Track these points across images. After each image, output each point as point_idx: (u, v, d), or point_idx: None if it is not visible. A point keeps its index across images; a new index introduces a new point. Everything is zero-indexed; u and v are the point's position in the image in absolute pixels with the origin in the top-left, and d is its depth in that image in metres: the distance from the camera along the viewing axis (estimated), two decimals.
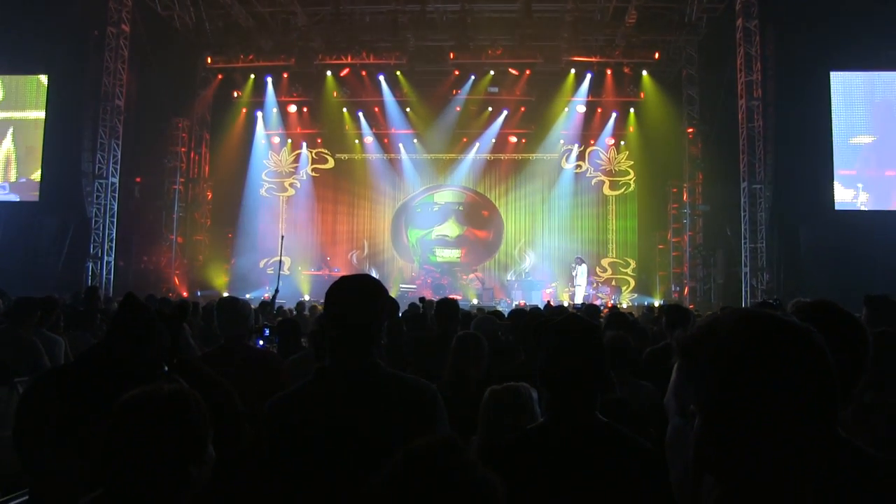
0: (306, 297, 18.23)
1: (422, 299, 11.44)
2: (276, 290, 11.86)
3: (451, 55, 21.14)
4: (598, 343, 2.38)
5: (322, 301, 2.63)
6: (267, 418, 2.41)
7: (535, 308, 9.85)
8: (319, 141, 23.38)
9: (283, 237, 14.67)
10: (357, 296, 2.45)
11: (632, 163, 22.73)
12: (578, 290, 20.08)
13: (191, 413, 1.94)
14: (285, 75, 22.03)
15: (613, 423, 2.36)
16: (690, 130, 21.64)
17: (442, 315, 5.99)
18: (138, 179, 21.90)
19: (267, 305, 11.44)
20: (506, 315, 8.26)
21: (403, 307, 10.69)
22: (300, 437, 2.32)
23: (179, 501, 1.92)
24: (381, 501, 1.27)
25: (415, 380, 2.49)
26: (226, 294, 18.80)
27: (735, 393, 1.21)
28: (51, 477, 2.65)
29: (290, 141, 23.41)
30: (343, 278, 2.53)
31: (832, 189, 19.92)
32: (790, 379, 1.20)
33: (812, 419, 1.20)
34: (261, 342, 5.71)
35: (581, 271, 20.33)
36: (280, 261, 13.97)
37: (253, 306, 10.60)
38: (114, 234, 19.95)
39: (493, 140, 22.63)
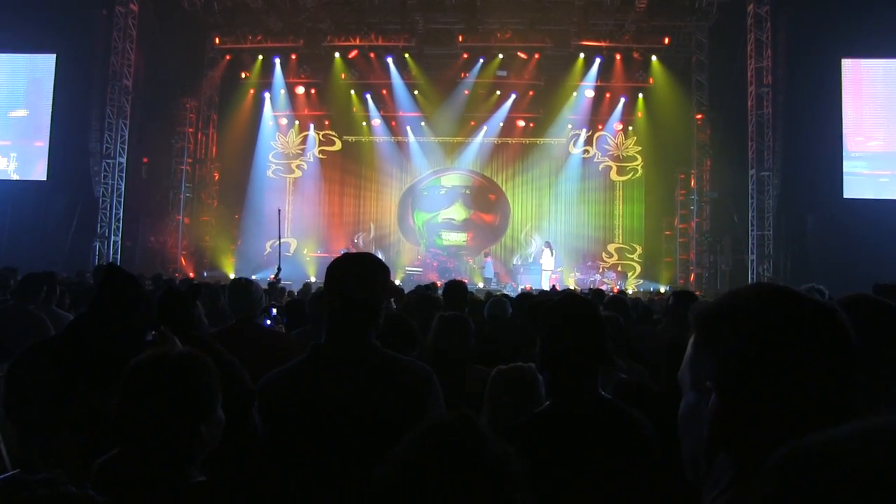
0: (312, 279, 18.21)
1: (432, 285, 11.31)
2: (279, 269, 11.57)
3: (460, 38, 21.20)
4: (597, 320, 2.35)
5: None
6: (260, 396, 2.38)
7: (544, 292, 9.79)
8: (327, 123, 23.31)
9: (280, 210, 14.21)
10: (358, 272, 2.41)
11: (640, 148, 22.60)
12: (545, 275, 19.96)
13: (199, 374, 1.96)
14: (293, 56, 22.04)
15: (616, 399, 2.35)
16: (699, 117, 21.55)
17: (450, 297, 5.98)
18: (145, 160, 22.02)
19: (274, 286, 11.11)
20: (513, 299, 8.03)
21: (409, 290, 10.55)
22: (292, 415, 2.29)
23: (192, 458, 1.96)
24: (398, 477, 1.24)
25: (410, 361, 2.46)
26: (232, 275, 19.42)
27: (755, 369, 1.17)
28: (41, 447, 2.64)
29: (297, 122, 23.27)
30: (346, 255, 2.52)
31: (841, 177, 19.84)
32: (813, 356, 1.16)
33: (835, 398, 1.15)
34: (268, 322, 5.75)
35: (547, 255, 20.28)
36: (279, 236, 13.30)
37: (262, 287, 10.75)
38: (121, 214, 20.14)
39: (501, 124, 22.53)
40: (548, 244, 20.66)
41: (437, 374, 2.40)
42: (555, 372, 2.32)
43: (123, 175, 20.09)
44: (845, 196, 19.72)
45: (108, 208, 19.79)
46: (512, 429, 2.27)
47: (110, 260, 18.93)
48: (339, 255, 2.59)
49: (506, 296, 8.05)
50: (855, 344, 1.18)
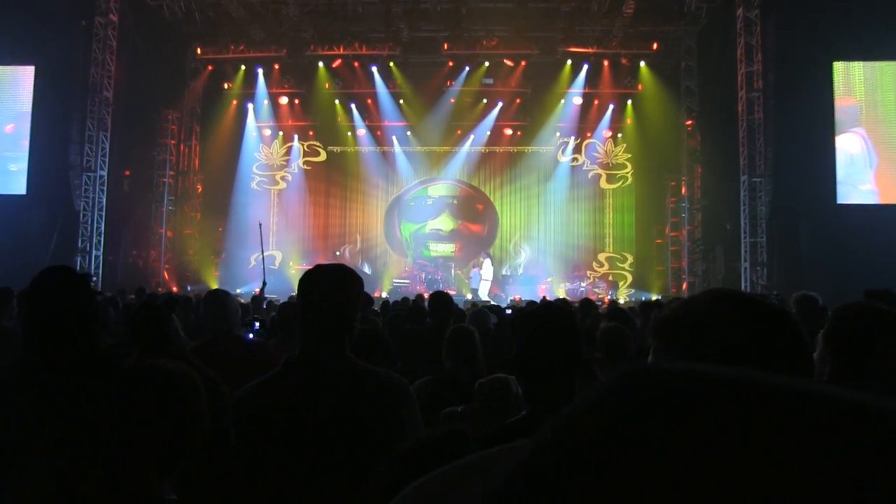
0: None
1: (419, 297, 11.37)
2: (264, 283, 11.35)
3: (445, 46, 21.07)
4: (572, 327, 2.35)
5: None
6: (233, 410, 2.37)
7: (533, 304, 9.59)
8: (311, 133, 23.18)
9: (260, 224, 13.85)
10: (331, 282, 2.42)
11: (629, 156, 22.47)
12: (483, 286, 19.82)
13: (186, 388, 1.94)
14: (276, 66, 21.89)
15: None
16: (689, 123, 21.47)
17: (437, 306, 5.95)
18: (127, 172, 21.76)
19: (258, 300, 11.22)
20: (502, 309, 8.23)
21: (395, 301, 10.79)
22: (266, 430, 2.27)
23: (166, 473, 1.93)
24: (385, 493, 1.19)
25: (386, 374, 2.46)
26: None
27: None
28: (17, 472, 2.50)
29: (281, 133, 23.16)
30: (318, 265, 2.51)
31: (834, 182, 19.73)
32: (767, 358, 1.15)
33: None
34: (250, 336, 5.73)
35: (486, 265, 20.17)
36: (262, 250, 12.91)
37: (245, 301, 11.20)
38: (102, 228, 19.82)
39: (488, 132, 22.41)
40: (486, 254, 20.76)
41: (454, 389, 2.45)
42: (529, 380, 2.33)
43: (105, 188, 19.82)
44: (839, 202, 19.63)
45: (90, 222, 19.53)
46: (484, 437, 2.19)
47: (90, 273, 18.70)
48: None
49: (495, 307, 8.44)
50: (808, 347, 1.22)
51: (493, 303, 14.44)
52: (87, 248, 19.48)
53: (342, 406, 2.26)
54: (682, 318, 1.24)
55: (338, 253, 22.13)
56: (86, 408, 2.08)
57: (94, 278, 18.53)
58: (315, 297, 2.38)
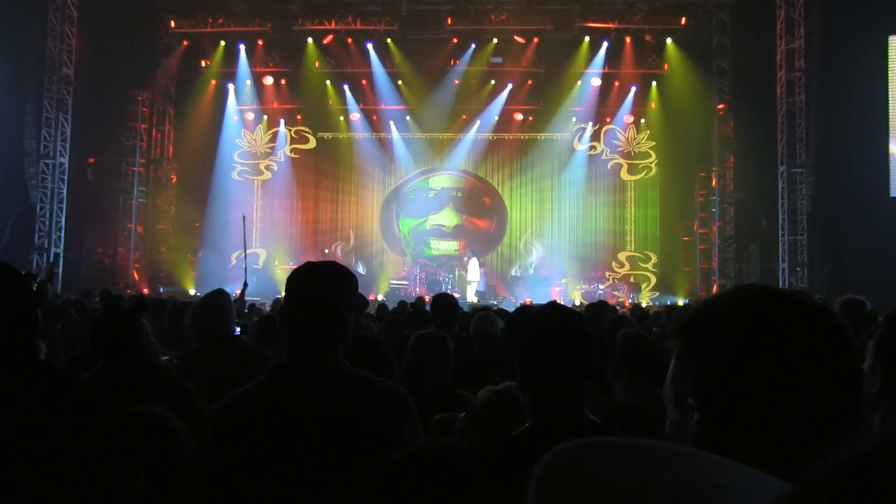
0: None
1: (419, 299, 11.61)
2: (245, 285, 11.44)
3: (449, 21, 20.87)
4: (580, 330, 2.32)
5: None
6: (212, 425, 2.33)
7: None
8: (299, 118, 22.77)
9: (244, 218, 13.65)
10: (323, 278, 2.41)
11: (653, 143, 22.02)
12: (470, 287, 19.66)
13: (170, 440, 2.01)
14: (260, 42, 21.56)
15: (607, 424, 2.36)
16: (721, 107, 21.02)
17: (439, 311, 5.93)
18: (91, 160, 21.39)
19: (238, 302, 11.03)
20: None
21: (393, 305, 11.21)
22: (249, 445, 2.26)
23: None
24: None
25: (383, 381, 2.48)
26: (192, 291, 20.09)
27: (739, 380, 1.11)
28: None
29: (265, 117, 22.76)
30: (307, 263, 2.52)
31: (887, 172, 19.18)
32: (806, 363, 1.09)
33: (834, 412, 1.08)
34: None
35: (473, 265, 19.96)
36: (245, 247, 13.08)
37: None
38: (63, 223, 19.64)
39: (496, 118, 21.96)
40: (472, 252, 20.54)
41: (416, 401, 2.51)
42: (534, 390, 2.27)
43: (65, 178, 19.58)
44: (892, 195, 19.10)
45: (48, 216, 19.26)
46: (485, 452, 2.26)
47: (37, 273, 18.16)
48: None
49: (501, 310, 8.42)
50: (856, 353, 1.15)
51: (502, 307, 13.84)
52: (46, 245, 19.20)
53: (336, 417, 2.27)
54: (708, 318, 1.18)
55: (327, 251, 21.88)
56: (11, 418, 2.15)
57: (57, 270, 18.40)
58: (304, 296, 2.38)
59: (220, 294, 4.63)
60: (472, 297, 18.66)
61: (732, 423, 1.13)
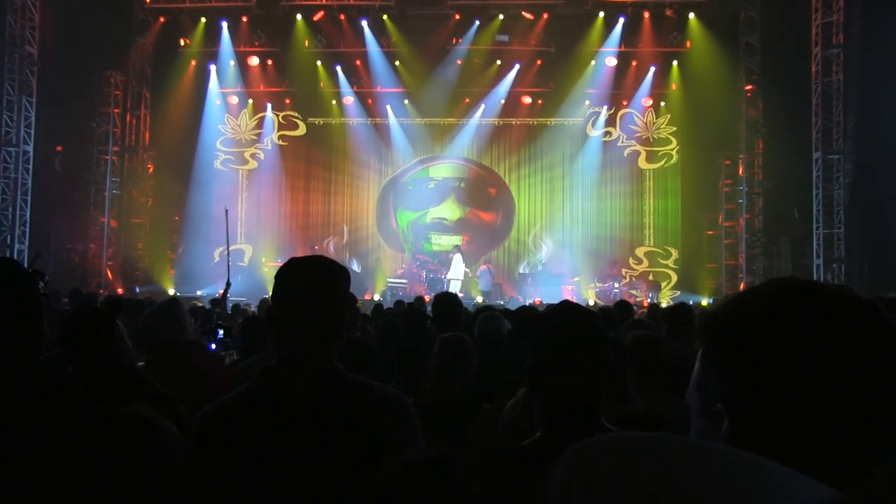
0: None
1: (419, 299, 11.49)
2: (228, 284, 11.30)
3: None
4: (596, 331, 2.28)
5: None
6: (195, 436, 2.26)
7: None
8: (288, 102, 22.42)
9: (227, 211, 13.35)
10: (312, 277, 2.36)
11: (674, 128, 21.63)
12: (453, 284, 19.37)
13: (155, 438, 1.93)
14: (245, 19, 21.26)
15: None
16: (749, 87, 20.60)
17: (441, 312, 5.89)
18: (59, 148, 21.26)
19: (220, 303, 11.47)
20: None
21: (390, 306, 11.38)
22: (236, 458, 2.21)
23: None
24: None
25: (382, 388, 2.44)
26: (172, 291, 19.87)
27: (776, 383, 1.09)
28: None
29: (251, 101, 22.32)
30: (295, 259, 2.47)
31: None
32: (854, 365, 1.06)
33: (886, 422, 1.05)
34: (213, 346, 6.02)
35: (456, 261, 19.77)
36: (227, 243, 12.81)
37: (205, 305, 11.86)
38: (27, 216, 19.52)
39: (503, 101, 21.72)
40: (456, 248, 20.47)
41: (441, 404, 2.98)
42: (544, 396, 2.24)
43: (30, 167, 19.36)
44: None
45: (11, 209, 19.06)
46: (491, 463, 2.29)
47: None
48: None
49: (507, 310, 8.43)
50: None
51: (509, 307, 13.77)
52: (9, 241, 19.02)
53: (331, 426, 2.23)
54: (739, 314, 1.15)
55: (316, 247, 21.48)
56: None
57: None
58: (294, 292, 2.34)
59: (171, 300, 4.84)
60: (454, 290, 18.30)
61: (768, 431, 1.10)
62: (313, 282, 2.32)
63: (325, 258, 2.47)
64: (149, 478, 1.82)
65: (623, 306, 8.01)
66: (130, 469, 1.81)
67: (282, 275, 2.36)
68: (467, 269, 20.13)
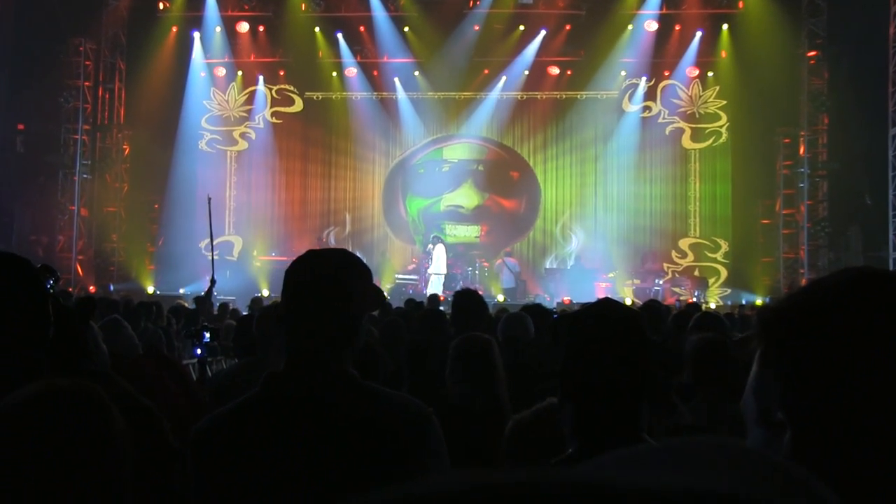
0: (265, 293, 17.85)
1: (433, 297, 11.62)
2: (213, 281, 11.37)
3: None
4: (638, 333, 2.25)
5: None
6: (192, 451, 2.27)
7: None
8: (282, 74, 21.92)
9: (209, 199, 13.22)
10: (328, 274, 2.31)
11: (724, 103, 20.93)
12: (433, 280, 19.11)
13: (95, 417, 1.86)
14: None
15: None
16: (812, 54, 19.78)
17: (461, 313, 5.80)
18: (21, 126, 21.16)
19: (204, 302, 11.20)
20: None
21: (398, 304, 11.34)
22: (238, 475, 2.17)
23: None
24: None
25: (401, 396, 2.41)
26: (151, 289, 19.94)
27: (850, 389, 1.03)
28: None
29: (240, 73, 21.82)
30: (310, 252, 2.46)
31: None
32: None
33: None
34: (198, 351, 6.32)
35: (438, 253, 19.27)
36: (211, 235, 12.90)
37: (189, 305, 12.39)
38: None
39: (526, 72, 21.09)
40: (436, 238, 19.79)
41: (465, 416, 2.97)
42: (579, 406, 2.20)
43: None
44: None
45: None
46: None
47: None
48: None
49: (540, 307, 8.39)
50: None
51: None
52: None
53: (345, 439, 2.17)
54: (805, 308, 1.11)
55: (322, 237, 21.44)
56: None
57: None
58: (306, 296, 2.30)
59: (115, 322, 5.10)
60: (434, 288, 18.11)
61: (839, 444, 1.07)
62: (327, 279, 2.30)
63: (343, 251, 2.51)
64: (88, 453, 1.78)
65: (653, 308, 7.73)
66: (70, 446, 1.77)
67: (292, 271, 2.35)
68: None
